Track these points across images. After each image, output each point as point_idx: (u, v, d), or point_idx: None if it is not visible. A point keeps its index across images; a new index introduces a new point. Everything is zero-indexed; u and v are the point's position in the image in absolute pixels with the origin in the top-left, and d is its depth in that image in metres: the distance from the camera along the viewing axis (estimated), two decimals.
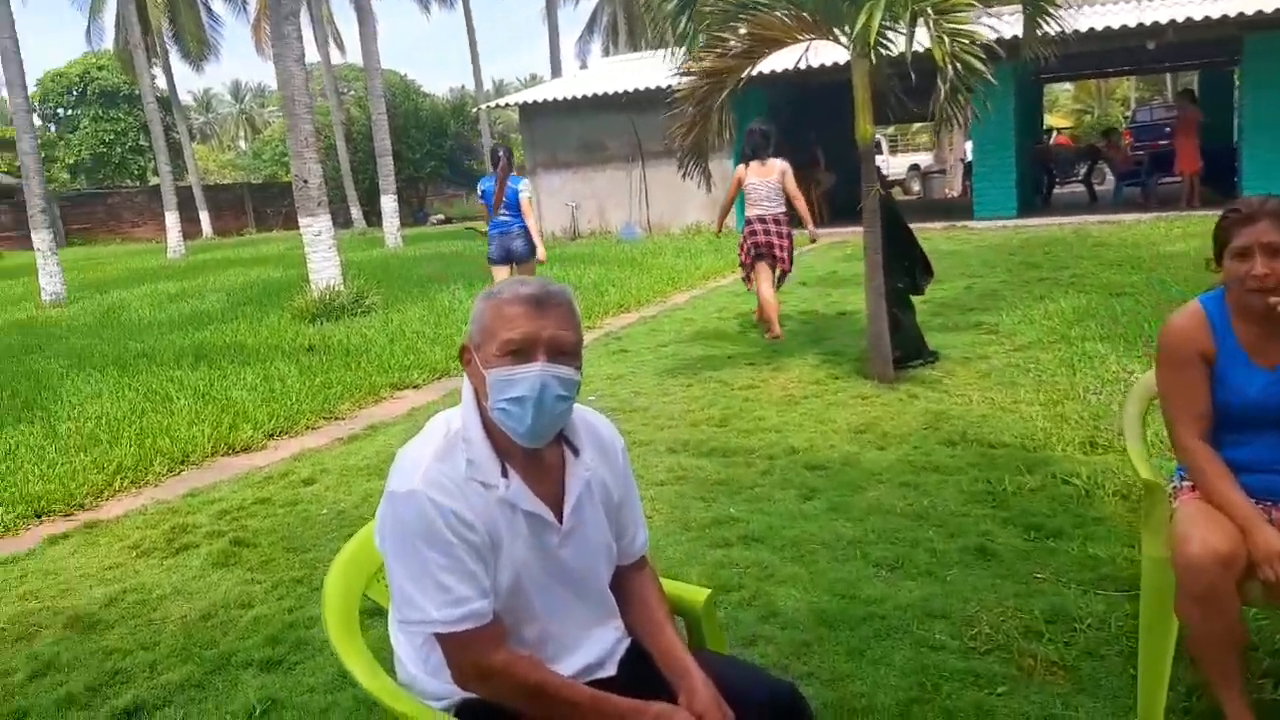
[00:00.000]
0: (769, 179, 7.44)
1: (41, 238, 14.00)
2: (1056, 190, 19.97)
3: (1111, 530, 3.49)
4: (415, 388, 6.93)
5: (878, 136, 26.86)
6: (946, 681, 2.61)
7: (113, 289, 15.06)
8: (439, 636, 1.57)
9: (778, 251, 7.43)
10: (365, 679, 1.69)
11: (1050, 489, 3.93)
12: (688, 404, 5.77)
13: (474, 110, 34.30)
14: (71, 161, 37.93)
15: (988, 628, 2.87)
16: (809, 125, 17.47)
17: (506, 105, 22.37)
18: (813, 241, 8.55)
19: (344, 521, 4.18)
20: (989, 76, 5.23)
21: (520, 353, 1.57)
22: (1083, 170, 20.59)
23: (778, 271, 7.59)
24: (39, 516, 4.57)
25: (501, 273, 8.39)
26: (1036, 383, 5.56)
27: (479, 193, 8.67)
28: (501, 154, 8.25)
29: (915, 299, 6.47)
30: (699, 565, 3.45)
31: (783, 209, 7.47)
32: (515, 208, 8.25)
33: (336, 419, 6.15)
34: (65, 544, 4.20)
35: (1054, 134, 26.84)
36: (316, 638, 3.09)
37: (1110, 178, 19.07)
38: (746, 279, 7.81)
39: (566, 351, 1.61)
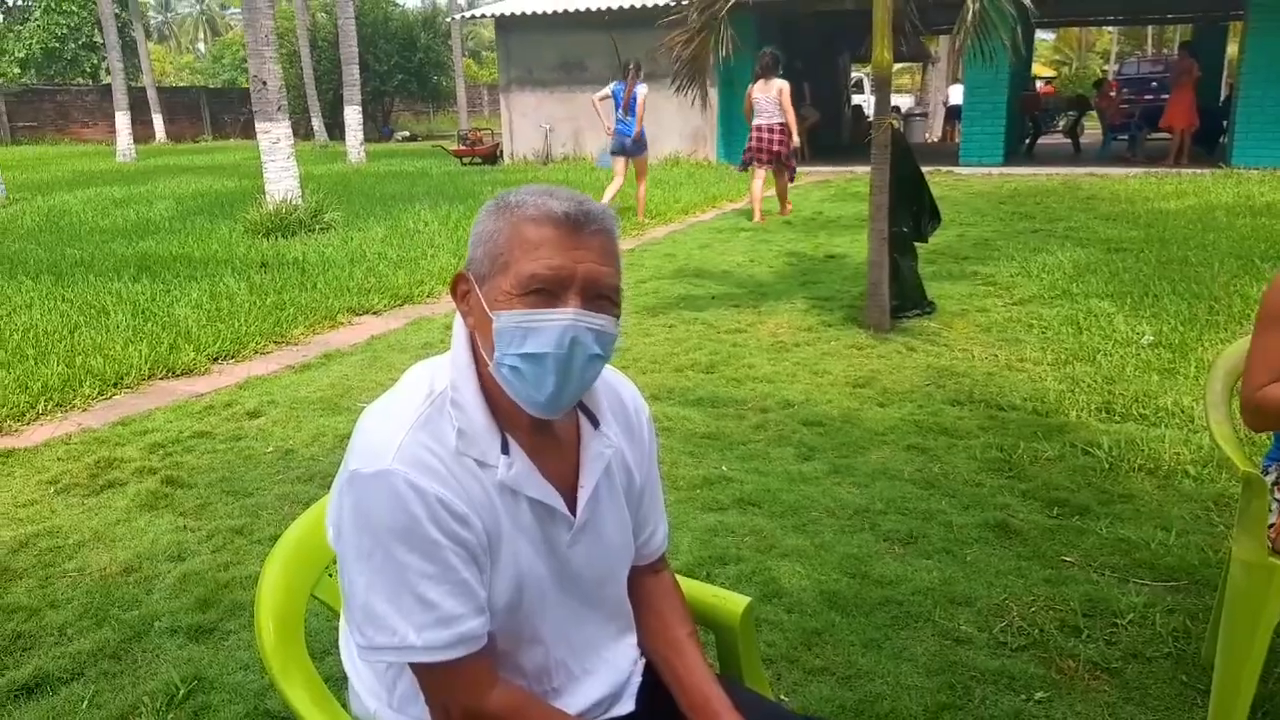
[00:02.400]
0: (769, 95, 9.79)
1: None
2: (1039, 141, 19.62)
3: (1141, 510, 3.19)
4: (375, 314, 6.45)
5: (858, 75, 26.41)
6: (978, 684, 2.29)
7: (55, 191, 14.21)
8: (419, 669, 1.18)
9: (775, 147, 9.88)
10: (314, 716, 1.30)
11: (1070, 460, 3.61)
12: (671, 346, 5.37)
13: (445, 22, 33.01)
14: (21, 55, 35.82)
15: (1019, 619, 2.55)
16: (796, 61, 16.91)
17: (481, 17, 21.39)
18: (795, 154, 10.30)
19: (291, 463, 3.75)
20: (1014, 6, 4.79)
21: (546, 292, 1.15)
22: (1064, 121, 20.24)
23: (785, 175, 10.27)
24: None
25: (619, 164, 10.47)
26: (1041, 340, 5.24)
27: (610, 91, 10.43)
28: (633, 64, 10.07)
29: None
30: (690, 532, 3.09)
31: (780, 120, 9.85)
32: (631, 107, 10.08)
33: (288, 344, 5.67)
34: None
35: (1039, 83, 26.38)
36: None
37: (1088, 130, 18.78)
38: (743, 166, 10.44)
39: (605, 294, 1.18)
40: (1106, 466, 3.52)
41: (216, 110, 35.72)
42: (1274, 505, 1.91)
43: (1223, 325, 5.24)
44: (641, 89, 10.04)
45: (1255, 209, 9.51)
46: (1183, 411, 4.03)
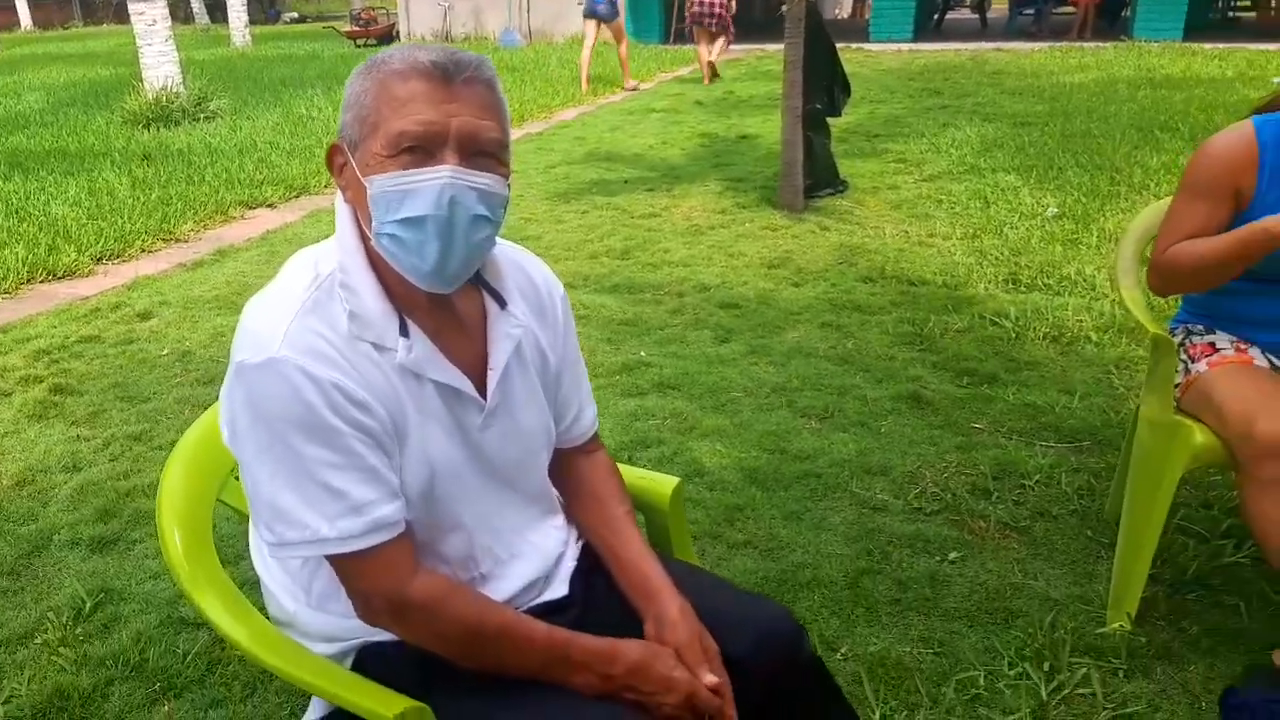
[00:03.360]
0: None
1: None
2: (948, 17, 19.52)
3: (1045, 376, 3.28)
4: (270, 206, 6.13)
5: None
6: (895, 548, 2.36)
7: None
8: (336, 561, 1.12)
9: (718, 10, 10.74)
10: (228, 621, 1.23)
11: (978, 330, 3.68)
12: (584, 233, 5.25)
13: None
14: None
15: (932, 485, 2.62)
16: None
17: None
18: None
19: (189, 364, 3.58)
20: None
21: (418, 149, 1.06)
22: None
23: (721, 41, 11.06)
24: None
25: (590, 26, 10.76)
26: (950, 215, 5.29)
27: None
28: None
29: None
30: (611, 417, 3.07)
31: None
32: None
33: (178, 241, 5.36)
34: None
35: None
36: None
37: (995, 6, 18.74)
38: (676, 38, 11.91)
39: (487, 151, 1.09)
40: (1013, 336, 3.61)
41: None
42: (1180, 366, 1.95)
43: (1124, 196, 5.36)
44: None
45: (1155, 81, 9.68)
46: (1085, 280, 4.13)
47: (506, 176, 1.12)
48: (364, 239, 1.14)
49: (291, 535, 1.08)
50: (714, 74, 11.18)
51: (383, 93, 1.08)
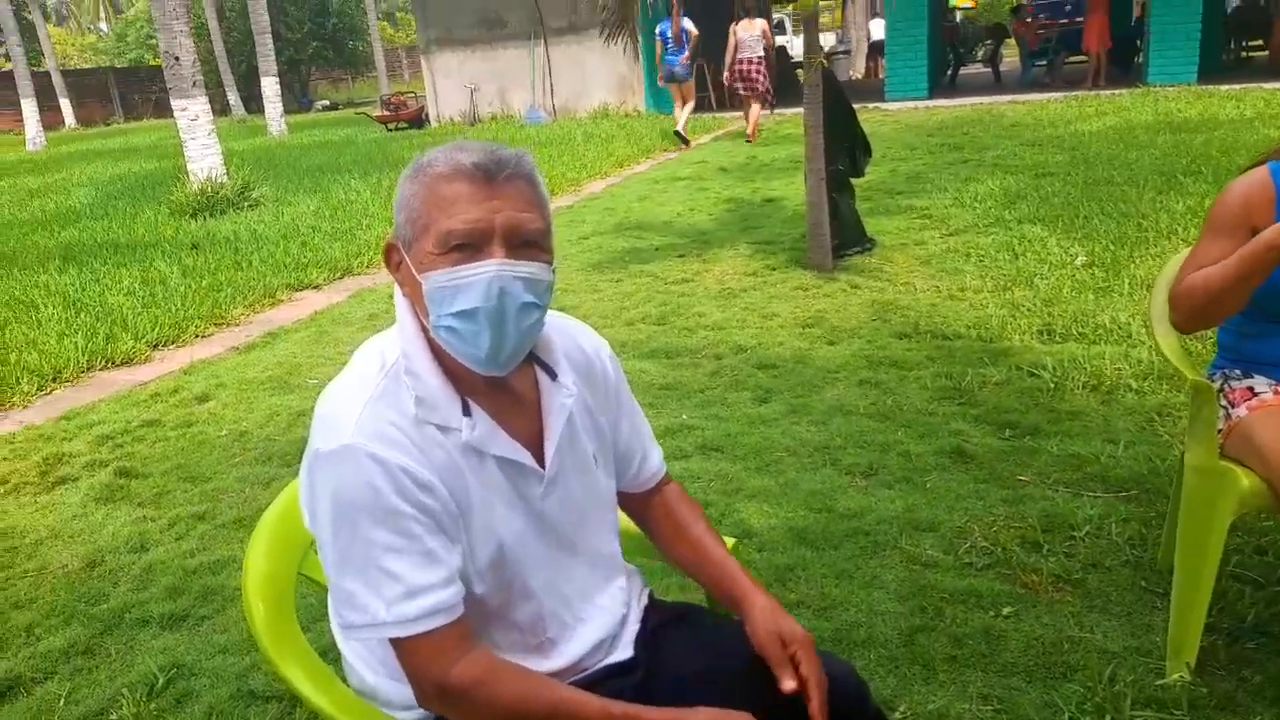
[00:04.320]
0: (754, 33, 11.43)
1: None
2: (961, 72, 19.80)
3: (1088, 426, 3.30)
4: (315, 288, 6.33)
5: (779, 17, 26.31)
6: (948, 604, 2.37)
7: None
8: (392, 643, 1.17)
9: (755, 77, 11.56)
10: (312, 691, 1.29)
11: (1016, 382, 3.71)
12: (620, 301, 5.37)
13: None
14: None
15: (981, 540, 2.64)
16: (721, 7, 16.88)
17: None
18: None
19: (247, 444, 3.70)
20: None
21: (467, 246, 1.14)
22: (983, 51, 20.43)
23: (764, 103, 12.01)
24: None
25: (674, 89, 12.42)
26: (980, 268, 5.35)
27: (657, 32, 12.35)
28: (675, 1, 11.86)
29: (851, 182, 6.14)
30: None
31: (760, 55, 11.47)
32: (680, 42, 11.87)
33: (229, 325, 5.55)
34: None
35: (958, 14, 26.54)
36: (227, 586, 2.67)
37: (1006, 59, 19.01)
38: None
39: (531, 241, 1.17)
40: (1052, 386, 3.63)
41: (125, 90, 34.33)
42: (1221, 412, 1.99)
43: (1151, 241, 5.40)
44: (688, 23, 11.90)
45: (1174, 125, 9.75)
46: (1120, 328, 4.16)
47: (550, 263, 1.21)
48: (424, 328, 1.22)
49: (353, 618, 1.15)
50: (752, 133, 12.09)
51: (431, 195, 1.16)
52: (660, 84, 12.78)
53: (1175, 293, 1.94)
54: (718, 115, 15.74)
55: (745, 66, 11.60)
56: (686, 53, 11.95)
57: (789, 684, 1.22)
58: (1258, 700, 1.94)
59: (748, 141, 11.90)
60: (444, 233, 1.14)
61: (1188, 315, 1.93)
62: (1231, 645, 2.10)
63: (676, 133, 12.04)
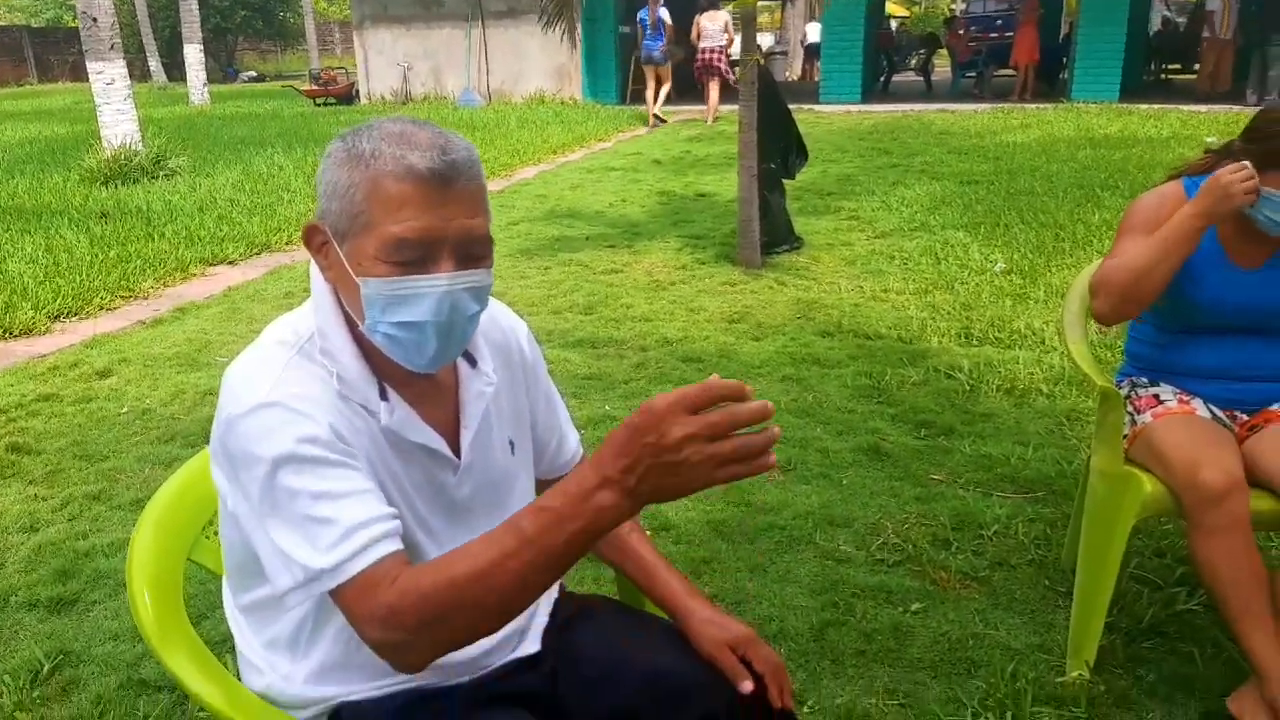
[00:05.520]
0: (717, 24, 12.61)
1: None
2: (894, 79, 20.15)
3: (1000, 428, 3.37)
4: (230, 263, 6.12)
5: (664, 12, 26.38)
6: (859, 600, 2.40)
7: None
8: (336, 596, 1.04)
9: (718, 63, 12.73)
10: (199, 684, 1.22)
11: (934, 383, 3.78)
12: (548, 289, 5.31)
13: None
14: None
15: (894, 536, 2.68)
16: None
17: None
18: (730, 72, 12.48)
19: (149, 422, 3.55)
20: None
21: (415, 257, 1.07)
22: (916, 59, 20.83)
23: (725, 85, 12.62)
24: None
25: (649, 71, 13.40)
26: (903, 271, 5.44)
27: (638, 18, 13.40)
28: None
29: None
30: None
31: (722, 44, 12.65)
32: (657, 29, 12.98)
33: (137, 298, 5.33)
34: None
35: (893, 22, 26.99)
36: (121, 570, 2.54)
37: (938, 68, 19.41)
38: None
39: (480, 248, 1.11)
40: (968, 388, 3.70)
41: (41, 51, 32.75)
42: (1127, 418, 2.04)
43: (1068, 251, 5.56)
44: (664, 13, 12.96)
45: (1094, 141, 10.07)
46: (1034, 334, 4.26)
47: (491, 266, 1.15)
48: (344, 311, 1.16)
49: (286, 580, 1.04)
50: (711, 116, 13.48)
51: (375, 192, 1.07)
52: (643, 66, 13.75)
53: (1095, 280, 1.98)
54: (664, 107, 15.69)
55: (708, 55, 12.67)
56: (664, 40, 12.98)
57: (747, 685, 1.23)
58: (1152, 698, 2.00)
59: (708, 124, 13.19)
60: (391, 238, 1.06)
61: (1110, 298, 1.95)
62: (1129, 644, 2.16)
63: (654, 115, 13.47)
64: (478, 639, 1.04)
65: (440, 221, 1.07)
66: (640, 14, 13.41)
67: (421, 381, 1.20)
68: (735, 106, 5.75)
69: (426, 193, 1.06)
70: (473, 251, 1.10)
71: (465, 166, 1.09)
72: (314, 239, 1.15)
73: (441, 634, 1.00)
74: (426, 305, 1.08)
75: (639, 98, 16.38)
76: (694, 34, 12.77)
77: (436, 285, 1.08)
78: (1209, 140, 9.66)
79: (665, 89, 13.57)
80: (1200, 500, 1.76)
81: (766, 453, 0.90)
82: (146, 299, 5.31)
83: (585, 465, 0.94)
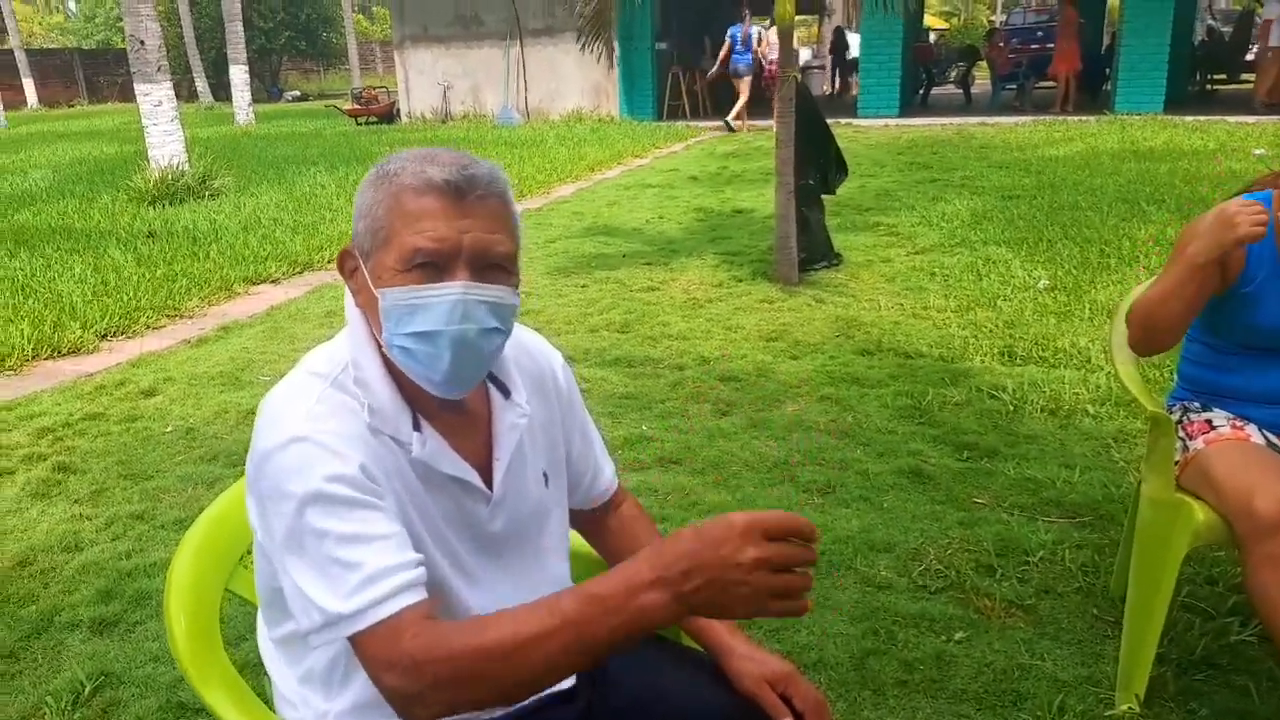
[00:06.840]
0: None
1: None
2: (933, 92, 20.00)
3: (1045, 449, 3.30)
4: (274, 282, 6.21)
5: (757, 29, 26.47)
6: (900, 628, 2.35)
7: None
8: (355, 644, 1.03)
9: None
10: (230, 715, 1.22)
11: (976, 404, 3.71)
12: (584, 306, 5.32)
13: None
14: None
15: (936, 562, 2.62)
16: (696, 16, 17.03)
17: None
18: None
19: (193, 441, 3.60)
20: None
21: (431, 266, 1.08)
22: (955, 72, 20.67)
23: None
24: None
25: (738, 84, 14.48)
26: (944, 288, 5.37)
27: (728, 34, 14.44)
28: (745, 7, 14.25)
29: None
30: None
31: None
32: (746, 44, 14.28)
33: (182, 317, 5.42)
34: None
35: (932, 35, 26.83)
36: (161, 591, 2.56)
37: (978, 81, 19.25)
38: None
39: (498, 264, 1.11)
40: (1011, 409, 3.64)
41: (91, 73, 33.69)
42: (1178, 444, 1.98)
43: (1113, 268, 5.45)
44: (755, 30, 14.39)
45: (1139, 154, 9.89)
46: (1079, 352, 4.18)
47: (517, 286, 1.15)
48: (377, 339, 1.15)
49: (309, 622, 1.04)
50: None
51: (396, 206, 1.09)
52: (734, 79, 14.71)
53: (1129, 311, 1.95)
54: (690, 124, 15.75)
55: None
56: (752, 56, 14.34)
57: None
58: None
59: (732, 131, 14.31)
60: (408, 249, 1.07)
61: (1133, 331, 1.97)
62: (1180, 677, 2.10)
63: (726, 122, 14.51)
64: (491, 709, 1.02)
65: (455, 233, 1.08)
66: (731, 30, 14.43)
67: (454, 413, 1.19)
68: (770, 122, 5.72)
69: (444, 204, 1.08)
70: (490, 263, 1.10)
71: (484, 181, 1.09)
72: (346, 264, 1.17)
73: (460, 696, 0.99)
74: (439, 313, 1.08)
75: (676, 113, 16.52)
76: (762, 46, 14.17)
77: (448, 294, 1.08)
78: (1257, 153, 9.46)
79: (742, 100, 14.49)
80: (1254, 530, 1.70)
81: (805, 595, 0.92)
82: (191, 318, 5.40)
83: (641, 560, 0.93)
